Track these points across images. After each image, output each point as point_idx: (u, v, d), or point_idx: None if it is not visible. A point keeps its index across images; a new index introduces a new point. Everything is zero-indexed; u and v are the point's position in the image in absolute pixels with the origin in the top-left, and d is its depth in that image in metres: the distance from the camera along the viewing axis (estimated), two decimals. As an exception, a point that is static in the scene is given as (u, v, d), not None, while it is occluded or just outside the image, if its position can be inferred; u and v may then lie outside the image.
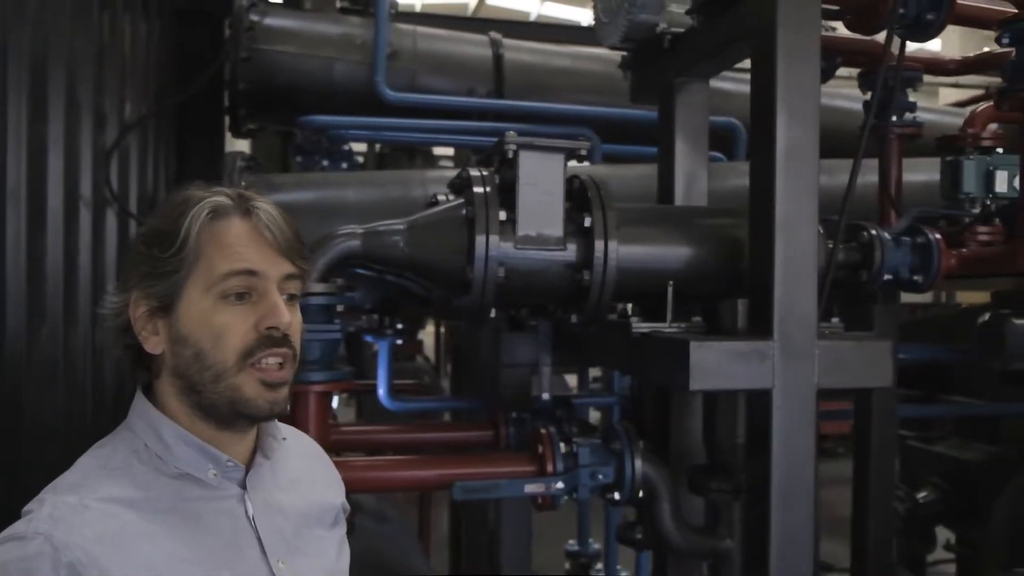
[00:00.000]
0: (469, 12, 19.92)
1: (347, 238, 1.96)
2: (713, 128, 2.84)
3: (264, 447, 1.15)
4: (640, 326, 1.94)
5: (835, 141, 2.43)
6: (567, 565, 3.72)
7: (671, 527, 2.12)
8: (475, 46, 3.69)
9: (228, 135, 4.07)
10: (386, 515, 2.95)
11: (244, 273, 1.06)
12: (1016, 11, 2.09)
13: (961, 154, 2.37)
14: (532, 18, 18.53)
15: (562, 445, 2.00)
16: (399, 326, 2.95)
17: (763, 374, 1.77)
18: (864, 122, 1.98)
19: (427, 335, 10.85)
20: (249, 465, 1.13)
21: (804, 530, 1.81)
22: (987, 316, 3.57)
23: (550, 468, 1.94)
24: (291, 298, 1.11)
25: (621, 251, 1.93)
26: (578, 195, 1.96)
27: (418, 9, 18.64)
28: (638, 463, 2.02)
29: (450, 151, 6.62)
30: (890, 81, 2.38)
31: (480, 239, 1.82)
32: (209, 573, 1.04)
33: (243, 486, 1.12)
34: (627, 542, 2.56)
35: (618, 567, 3.41)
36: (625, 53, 2.54)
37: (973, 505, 3.78)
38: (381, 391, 2.96)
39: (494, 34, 3.73)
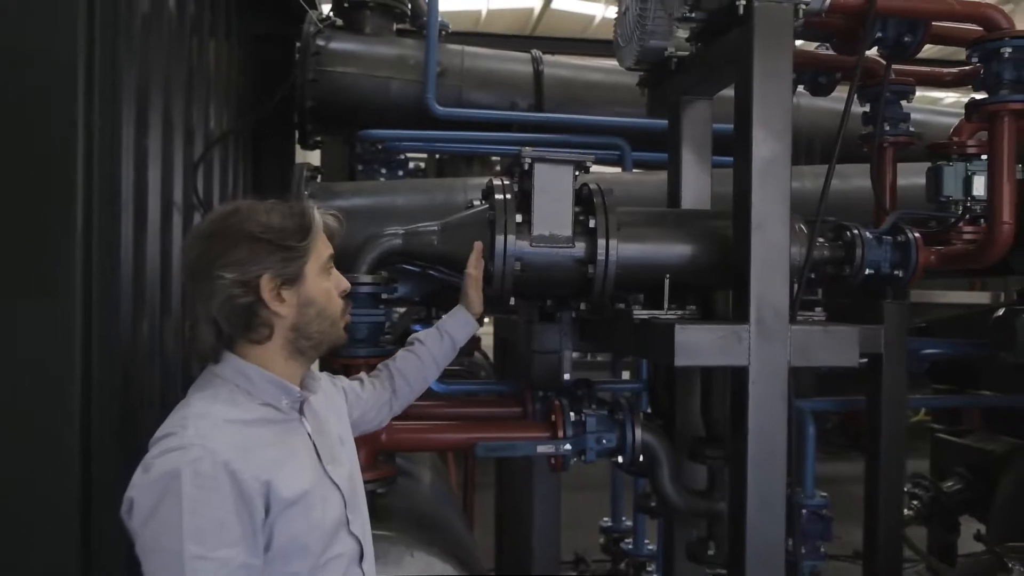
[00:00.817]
0: (534, 17, 20.33)
1: (391, 237, 2.34)
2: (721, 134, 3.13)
3: (308, 385, 1.61)
4: (641, 313, 2.25)
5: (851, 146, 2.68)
6: (601, 540, 4.03)
7: (670, 489, 2.43)
8: (517, 63, 4.04)
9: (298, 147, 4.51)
10: (423, 477, 3.31)
11: (331, 256, 1.60)
12: (983, 31, 2.33)
13: (948, 160, 2.61)
14: (596, 22, 18.80)
15: (572, 415, 2.33)
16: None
17: (740, 353, 2.06)
18: (838, 130, 2.24)
19: (486, 334, 11.19)
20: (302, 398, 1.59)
21: (777, 490, 2.09)
22: (1001, 311, 3.76)
23: (560, 433, 2.28)
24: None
25: (623, 248, 2.25)
26: (586, 200, 2.29)
27: (484, 15, 19.03)
28: (638, 431, 2.33)
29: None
30: (883, 95, 2.64)
31: (500, 238, 2.17)
32: (298, 469, 1.48)
33: (301, 412, 1.57)
34: (643, 510, 2.89)
35: (645, 541, 3.71)
36: (641, 73, 2.85)
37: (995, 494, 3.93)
38: (428, 374, 3.32)
39: (535, 51, 4.07)
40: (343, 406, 1.83)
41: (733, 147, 2.15)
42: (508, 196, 2.22)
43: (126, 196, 2.26)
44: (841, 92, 3.12)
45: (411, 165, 6.06)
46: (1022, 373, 4.06)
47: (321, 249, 1.56)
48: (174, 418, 1.44)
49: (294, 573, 1.45)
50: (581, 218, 2.26)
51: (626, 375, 4.02)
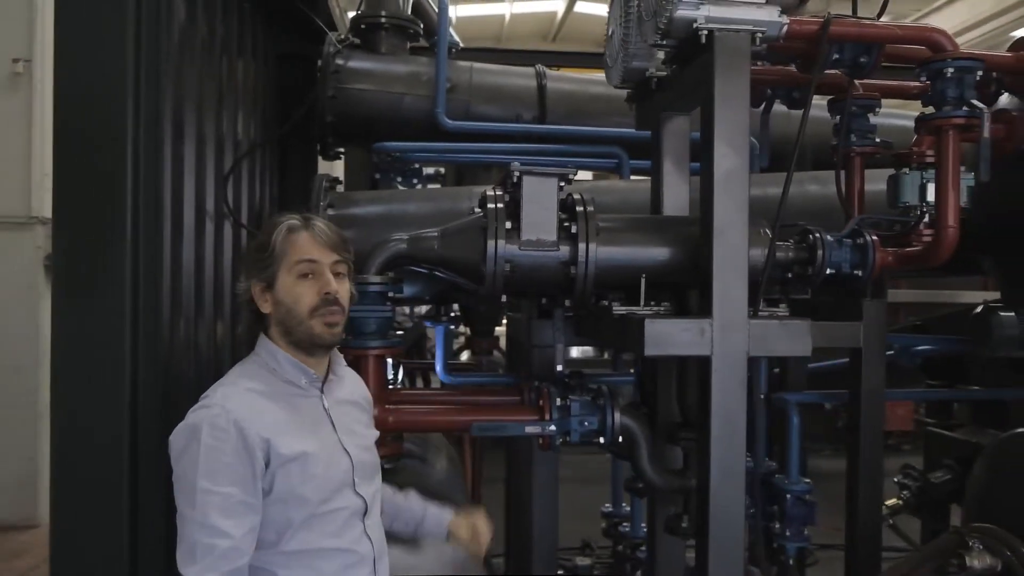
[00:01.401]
0: (556, 21, 20.56)
1: (397, 242, 2.63)
2: None
3: (333, 370, 1.99)
4: (619, 309, 2.52)
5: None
6: (603, 524, 4.29)
7: (648, 468, 2.69)
8: (522, 78, 4.32)
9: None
10: (430, 459, 3.60)
11: (306, 261, 1.86)
12: (932, 53, 2.56)
13: (908, 168, 2.83)
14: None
15: (559, 400, 2.60)
16: (453, 314, 3.60)
17: (703, 344, 2.32)
18: (795, 144, 2.49)
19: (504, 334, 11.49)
20: (324, 381, 1.95)
21: (737, 464, 2.34)
22: (979, 309, 3.97)
23: (547, 416, 2.55)
24: (338, 276, 1.91)
25: (602, 251, 2.52)
26: (570, 208, 2.56)
27: (508, 19, 19.22)
28: (617, 415, 2.60)
29: (520, 164, 7.26)
30: (847, 109, 2.89)
31: (491, 242, 2.46)
32: (303, 435, 1.83)
33: (321, 391, 1.94)
34: (631, 490, 3.15)
35: (642, 524, 3.96)
36: (628, 90, 3.11)
37: (981, 484, 4.12)
38: (439, 367, 3.63)
39: (539, 66, 4.34)
40: (368, 404, 2.17)
41: (700, 161, 2.41)
42: (500, 205, 2.51)
43: (165, 205, 2.56)
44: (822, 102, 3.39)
45: (432, 171, 6.38)
46: (1004, 368, 4.28)
47: (292, 257, 1.85)
48: (212, 387, 1.85)
49: (290, 517, 1.79)
50: (565, 224, 2.53)
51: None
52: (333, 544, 1.85)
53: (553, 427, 2.53)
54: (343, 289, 1.90)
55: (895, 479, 4.62)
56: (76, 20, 2.27)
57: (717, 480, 2.34)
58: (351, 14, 4.59)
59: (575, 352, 8.57)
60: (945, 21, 12.50)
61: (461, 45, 4.51)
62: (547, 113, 4.23)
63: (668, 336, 2.32)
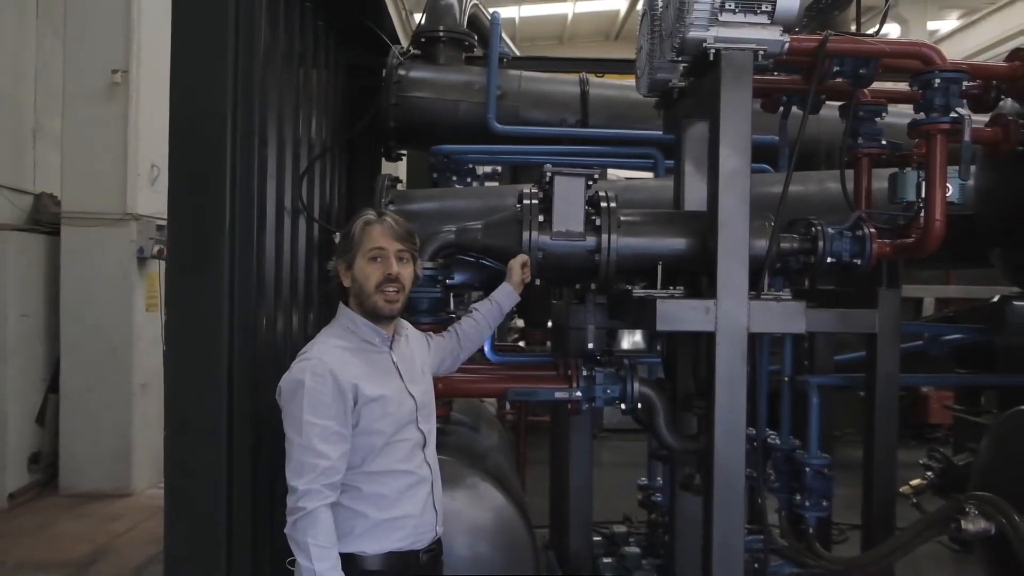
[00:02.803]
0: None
1: (447, 233, 3.06)
2: (760, 144, 3.67)
3: (398, 331, 2.50)
4: (639, 292, 2.89)
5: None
6: (639, 496, 4.64)
7: (665, 432, 3.06)
8: (566, 84, 4.71)
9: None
10: (482, 430, 4.02)
11: (376, 248, 2.37)
12: (924, 65, 2.86)
13: (908, 168, 3.11)
14: (620, 17, 19.18)
15: (584, 371, 2.99)
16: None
17: (708, 321, 2.68)
18: (793, 146, 2.81)
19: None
20: (392, 340, 2.46)
21: (738, 426, 2.69)
22: (996, 298, 4.21)
23: (574, 384, 2.95)
24: (402, 261, 2.39)
25: (625, 241, 2.90)
26: (596, 203, 2.95)
27: (517, 21, 19.53)
28: (637, 385, 2.98)
29: (570, 162, 7.65)
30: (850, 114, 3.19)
31: (526, 233, 2.86)
32: (380, 381, 2.34)
33: (390, 348, 2.45)
34: (656, 457, 3.51)
35: (672, 493, 4.30)
36: (656, 98, 3.47)
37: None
38: (486, 347, 4.04)
39: (583, 74, 4.72)
40: (427, 351, 2.68)
41: (708, 162, 2.77)
42: (534, 201, 2.91)
43: (254, 203, 3.03)
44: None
45: (490, 170, 6.81)
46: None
47: (367, 244, 2.35)
48: (308, 345, 2.39)
49: (372, 444, 2.30)
50: (592, 217, 2.92)
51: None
52: (402, 467, 2.33)
53: (579, 393, 2.93)
54: (405, 272, 2.38)
55: (920, 461, 4.86)
56: (187, 43, 2.72)
57: (721, 439, 2.69)
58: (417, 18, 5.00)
59: (625, 344, 8.90)
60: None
61: (512, 55, 4.91)
62: (589, 117, 4.60)
63: (677, 314, 2.69)
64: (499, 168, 6.88)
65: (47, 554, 5.59)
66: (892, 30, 19.32)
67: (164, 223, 3.65)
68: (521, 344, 8.26)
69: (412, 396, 2.40)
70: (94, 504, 6.75)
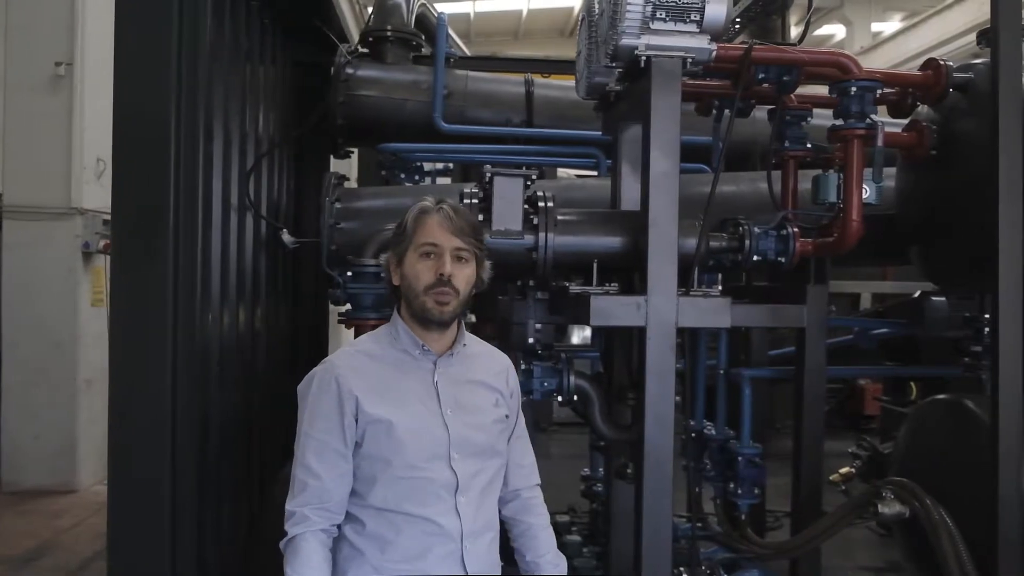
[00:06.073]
0: (523, 18, 20.85)
1: (388, 231, 3.12)
2: (698, 145, 3.82)
3: (455, 348, 2.05)
4: (575, 288, 3.01)
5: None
6: (581, 487, 4.77)
7: (600, 423, 3.19)
8: (512, 85, 4.81)
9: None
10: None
11: (429, 243, 1.96)
12: (842, 74, 3.03)
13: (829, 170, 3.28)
14: (575, 13, 19.36)
15: (523, 365, 3.10)
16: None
17: (639, 316, 2.80)
18: (720, 150, 2.96)
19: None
20: (443, 355, 2.02)
21: (667, 415, 2.82)
22: (916, 294, 4.43)
23: (513, 377, 3.05)
24: (460, 260, 1.96)
25: (561, 240, 3.02)
26: (534, 203, 3.06)
27: (472, 17, 19.60)
28: (572, 378, 3.10)
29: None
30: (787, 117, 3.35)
31: (466, 232, 2.95)
32: (397, 401, 1.94)
33: (434, 364, 2.01)
34: (595, 448, 3.64)
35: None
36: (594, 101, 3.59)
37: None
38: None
39: (528, 75, 4.83)
40: (501, 371, 2.16)
41: (642, 164, 2.89)
42: (474, 200, 3.01)
43: (197, 199, 3.07)
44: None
45: (442, 167, 6.87)
46: (948, 350, 4.71)
47: (419, 239, 1.96)
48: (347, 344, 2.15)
49: (374, 474, 1.91)
50: (530, 217, 3.03)
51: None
52: (416, 511, 1.90)
53: (517, 386, 3.03)
54: (461, 273, 1.96)
55: (849, 450, 5.09)
56: (130, 39, 2.75)
57: (651, 429, 2.82)
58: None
59: (575, 339, 9.04)
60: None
61: (458, 55, 4.99)
62: (534, 117, 4.71)
63: (610, 310, 2.81)
64: (451, 165, 6.99)
65: (-11, 550, 5.53)
66: (838, 31, 19.93)
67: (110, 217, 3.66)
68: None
69: (447, 427, 1.95)
70: (38, 500, 6.67)
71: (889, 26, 18.57)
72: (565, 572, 2.21)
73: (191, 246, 2.89)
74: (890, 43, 16.28)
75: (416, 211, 2.01)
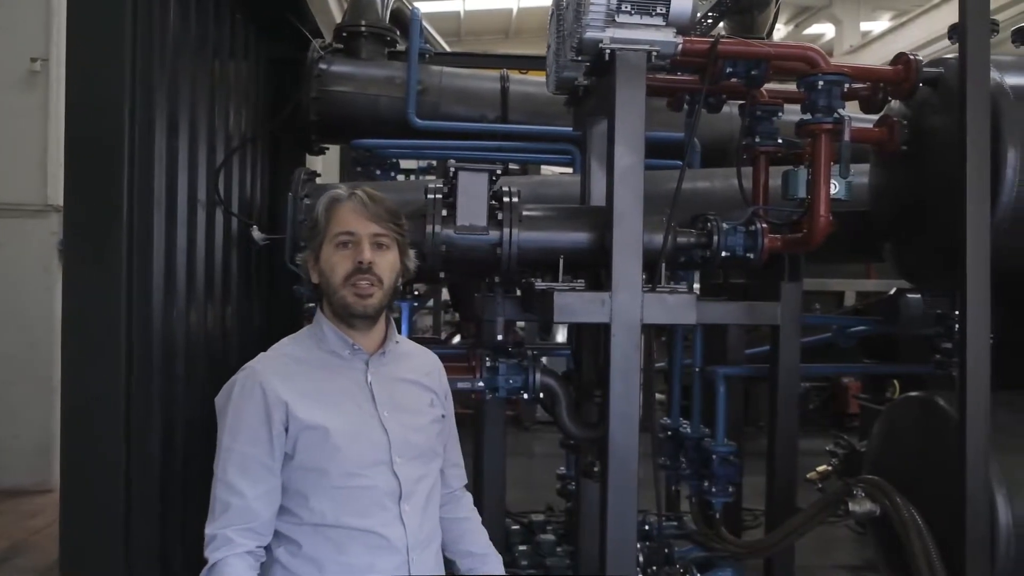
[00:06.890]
0: (513, 16, 20.76)
1: (353, 227, 3.09)
2: (674, 142, 3.78)
3: (386, 345, 1.89)
4: (541, 285, 2.97)
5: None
6: (558, 485, 4.74)
7: (567, 421, 3.15)
8: (487, 81, 4.77)
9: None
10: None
11: (344, 233, 1.80)
12: (809, 68, 3.00)
13: (799, 165, 3.25)
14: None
15: (489, 362, 3.07)
16: (416, 292, 4.05)
17: (603, 313, 2.77)
18: (686, 143, 2.92)
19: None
20: (374, 354, 1.87)
21: (632, 412, 2.78)
22: (892, 291, 4.41)
23: (477, 375, 3.02)
24: (380, 248, 1.81)
25: (526, 235, 2.98)
26: (499, 198, 3.02)
27: (462, 15, 19.48)
28: (538, 375, 3.07)
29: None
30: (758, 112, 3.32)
31: (429, 227, 2.91)
32: (330, 405, 1.78)
33: (366, 364, 1.85)
34: (565, 447, 3.61)
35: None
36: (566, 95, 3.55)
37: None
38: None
39: (504, 71, 4.79)
40: (434, 370, 2.04)
41: (607, 160, 2.85)
42: (438, 196, 2.97)
43: (158, 195, 3.03)
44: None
45: (426, 164, 6.82)
46: (923, 347, 4.70)
47: (332, 229, 1.80)
48: (271, 348, 1.91)
49: (310, 487, 1.74)
50: (495, 212, 2.99)
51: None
52: (357, 523, 1.75)
53: (481, 383, 3.00)
54: (383, 260, 1.81)
55: (826, 448, 5.07)
56: (82, 33, 2.70)
57: (615, 426, 2.79)
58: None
59: (560, 337, 9.01)
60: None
61: (433, 51, 4.95)
62: (509, 113, 4.67)
63: (575, 306, 2.78)
64: (433, 163, 6.95)
65: (-40, 552, 5.46)
66: (827, 31, 19.96)
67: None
68: (457, 339, 8.35)
69: (385, 429, 1.81)
70: (13, 500, 6.61)
71: (878, 25, 18.61)
72: (503, 571, 2.11)
73: (148, 244, 2.84)
74: (879, 42, 16.33)
75: (327, 200, 1.85)
